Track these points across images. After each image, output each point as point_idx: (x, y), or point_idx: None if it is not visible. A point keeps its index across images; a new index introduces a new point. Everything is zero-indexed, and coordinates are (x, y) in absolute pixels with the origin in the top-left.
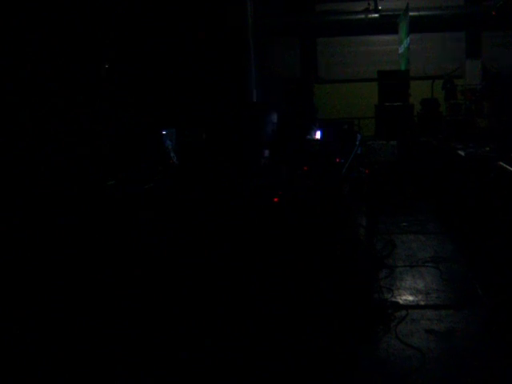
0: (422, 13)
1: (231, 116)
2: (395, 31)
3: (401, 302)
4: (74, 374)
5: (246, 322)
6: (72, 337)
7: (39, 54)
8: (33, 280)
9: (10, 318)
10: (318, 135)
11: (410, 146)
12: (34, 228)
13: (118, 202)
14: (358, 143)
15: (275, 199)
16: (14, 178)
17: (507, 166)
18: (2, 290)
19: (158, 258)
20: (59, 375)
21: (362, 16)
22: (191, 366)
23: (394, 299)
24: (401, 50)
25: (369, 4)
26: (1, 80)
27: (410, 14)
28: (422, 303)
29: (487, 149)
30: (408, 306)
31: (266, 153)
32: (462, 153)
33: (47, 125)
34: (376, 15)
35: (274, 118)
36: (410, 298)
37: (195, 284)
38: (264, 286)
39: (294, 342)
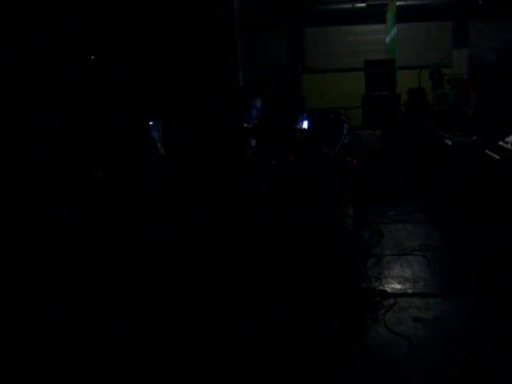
0: (408, 2)
1: (215, 102)
2: (382, 21)
3: (389, 290)
4: (74, 374)
5: (243, 320)
6: (72, 337)
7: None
8: (31, 280)
9: (9, 319)
10: (305, 125)
11: (397, 135)
12: (28, 227)
13: (107, 195)
14: (345, 132)
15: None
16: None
17: (494, 155)
18: (1, 291)
19: (154, 256)
20: (59, 375)
21: (349, 5)
22: (191, 366)
23: (381, 288)
24: (388, 40)
25: None
26: (1, 80)
27: (397, 3)
28: (410, 291)
29: (474, 138)
30: (396, 295)
31: (253, 142)
32: (449, 142)
33: (37, 121)
34: (363, 5)
35: (258, 103)
36: (398, 286)
37: (195, 284)
38: (251, 280)
39: (281, 334)
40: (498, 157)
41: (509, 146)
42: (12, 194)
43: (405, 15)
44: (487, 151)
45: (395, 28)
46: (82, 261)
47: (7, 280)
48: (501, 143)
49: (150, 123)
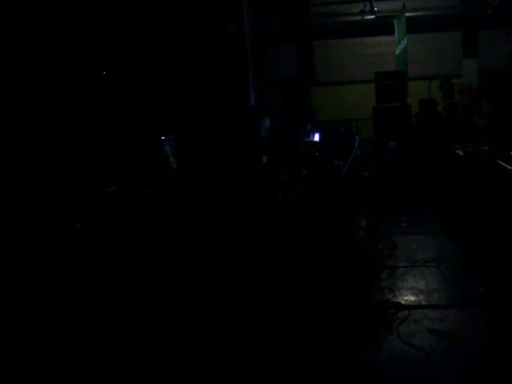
0: (418, 13)
1: (227, 120)
2: (392, 32)
3: (403, 302)
4: (74, 374)
5: (246, 322)
6: (72, 337)
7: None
8: (35, 282)
9: (10, 319)
10: (316, 138)
11: (408, 146)
12: (38, 232)
13: (120, 207)
14: (356, 145)
15: (280, 195)
16: (17, 183)
17: (505, 165)
18: (3, 292)
19: (158, 261)
20: (59, 375)
21: (358, 18)
22: (191, 366)
23: (395, 300)
24: (398, 51)
25: (364, 5)
26: (1, 81)
27: (407, 14)
28: (424, 303)
29: (485, 148)
30: (410, 306)
31: (264, 158)
32: (460, 152)
33: (49, 130)
34: (372, 16)
35: (267, 122)
36: (412, 298)
37: (197, 286)
38: (266, 286)
39: (296, 343)
40: (510, 167)
41: None
42: (16, 199)
43: (414, 26)
44: (499, 161)
45: (405, 39)
46: (84, 263)
47: (9, 282)
48: None
49: (163, 138)
